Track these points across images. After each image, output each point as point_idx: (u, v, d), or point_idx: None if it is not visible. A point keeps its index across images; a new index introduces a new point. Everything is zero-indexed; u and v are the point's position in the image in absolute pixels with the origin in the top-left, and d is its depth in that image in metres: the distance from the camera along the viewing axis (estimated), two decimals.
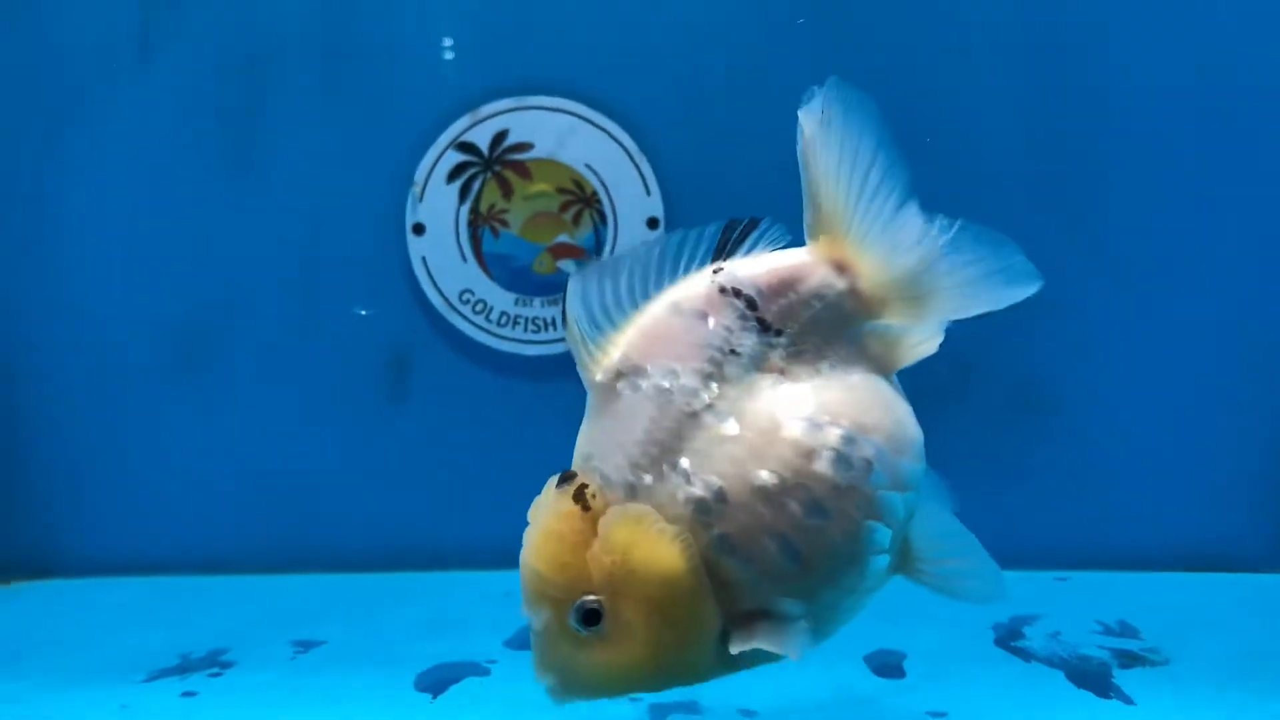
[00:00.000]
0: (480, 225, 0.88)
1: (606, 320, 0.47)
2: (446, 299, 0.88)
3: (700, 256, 0.48)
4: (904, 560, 0.47)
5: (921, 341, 0.48)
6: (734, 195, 0.86)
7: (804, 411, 0.44)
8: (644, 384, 0.45)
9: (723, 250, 0.48)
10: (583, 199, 0.88)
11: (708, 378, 0.45)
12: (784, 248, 0.48)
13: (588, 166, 0.87)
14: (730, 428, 0.44)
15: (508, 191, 0.88)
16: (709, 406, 0.45)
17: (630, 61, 0.87)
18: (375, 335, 0.89)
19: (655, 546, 0.43)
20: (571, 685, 0.45)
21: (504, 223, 0.88)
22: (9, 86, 0.88)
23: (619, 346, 0.46)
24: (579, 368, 0.47)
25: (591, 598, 0.43)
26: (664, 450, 0.45)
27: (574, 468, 0.46)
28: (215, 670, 0.66)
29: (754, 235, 0.48)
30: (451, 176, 0.88)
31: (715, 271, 0.47)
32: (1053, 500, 0.86)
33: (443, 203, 0.88)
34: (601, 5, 0.87)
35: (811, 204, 0.48)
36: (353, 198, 0.88)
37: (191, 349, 0.88)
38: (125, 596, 0.83)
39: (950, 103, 0.86)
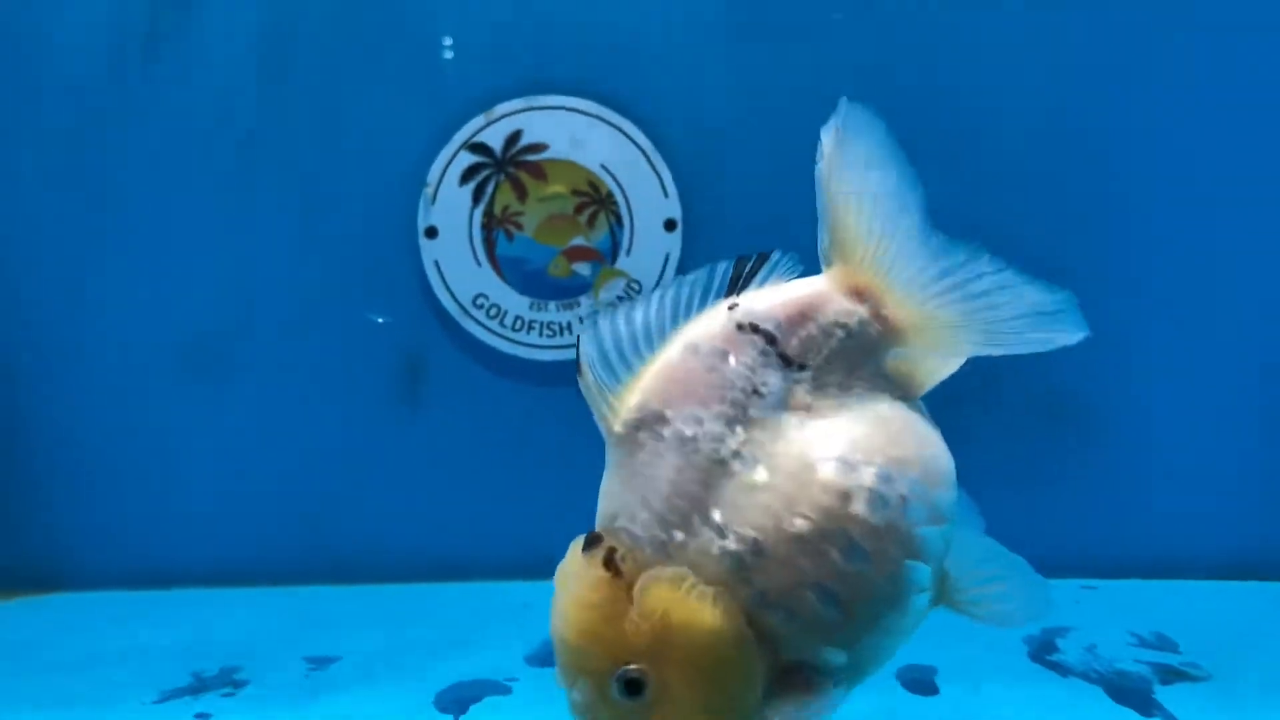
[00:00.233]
0: (494, 228, 0.86)
1: (623, 366, 0.45)
2: (460, 303, 0.86)
3: (714, 294, 0.46)
4: (943, 592, 0.46)
5: (945, 364, 0.46)
6: (753, 197, 0.84)
7: (836, 451, 0.42)
8: (666, 433, 0.43)
9: (736, 285, 0.46)
10: (598, 200, 0.86)
11: (732, 421, 0.43)
12: (798, 278, 0.46)
13: (603, 167, 0.85)
14: (760, 474, 0.42)
15: (522, 193, 0.86)
16: (736, 453, 0.43)
17: (647, 60, 0.85)
18: (388, 341, 0.87)
19: (694, 609, 0.41)
20: None
21: (518, 225, 0.86)
22: (15, 87, 0.86)
23: (637, 393, 0.44)
24: (597, 419, 0.45)
25: (633, 667, 0.42)
26: (693, 503, 0.43)
27: (599, 527, 0.44)
28: (228, 690, 0.64)
29: (766, 268, 0.46)
30: (464, 178, 0.86)
31: (730, 307, 0.45)
32: (1080, 507, 0.85)
33: (456, 205, 0.86)
34: (617, 2, 0.85)
35: (827, 228, 0.46)
36: (365, 201, 0.86)
37: (201, 356, 0.87)
38: (135, 610, 0.81)
39: (972, 105, 0.84)
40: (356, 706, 0.61)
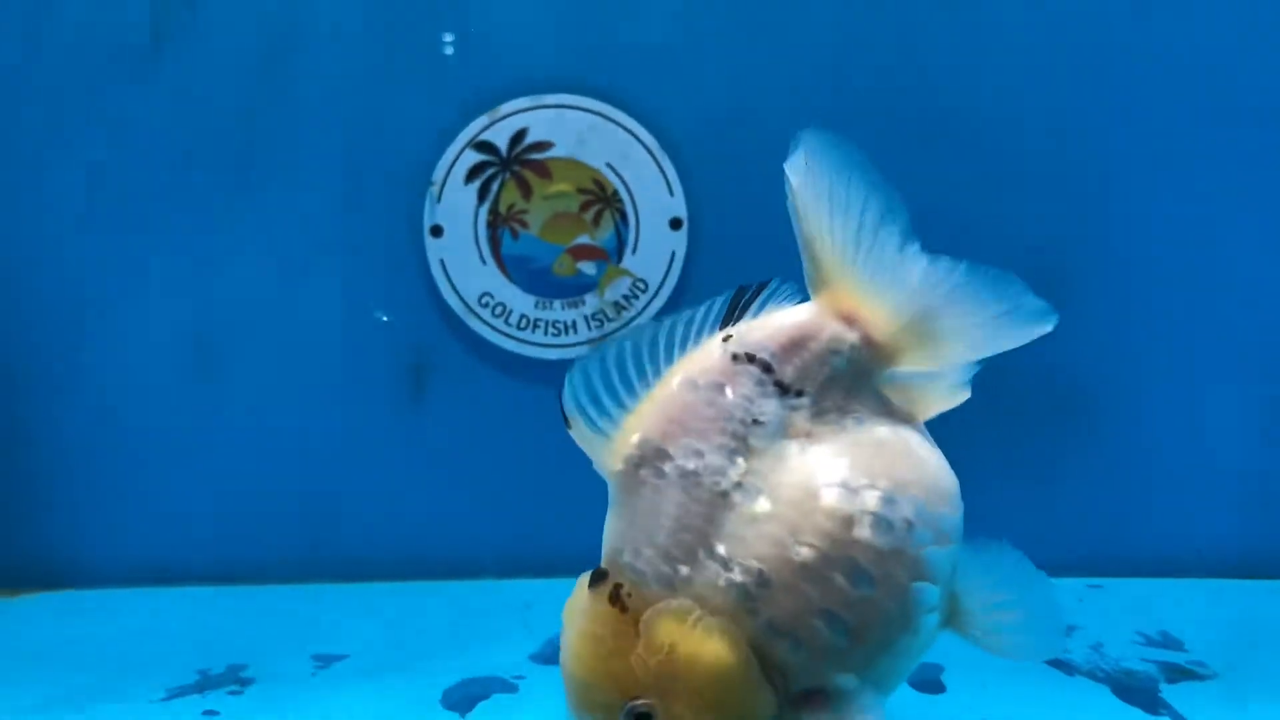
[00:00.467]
0: (499, 226, 0.86)
1: (616, 406, 0.45)
2: (465, 302, 0.86)
3: (709, 327, 0.46)
4: (953, 614, 0.46)
5: (948, 395, 0.47)
6: (759, 196, 0.83)
7: (837, 476, 0.43)
8: (668, 468, 0.44)
9: (730, 316, 0.46)
10: (604, 199, 0.86)
11: (733, 453, 0.43)
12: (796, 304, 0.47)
13: (609, 166, 0.85)
14: (763, 505, 0.43)
15: (527, 192, 0.86)
16: (738, 485, 0.43)
17: (652, 58, 0.85)
18: (393, 340, 0.87)
19: (701, 642, 0.42)
20: None
21: (523, 224, 0.86)
22: (17, 83, 0.86)
23: (636, 430, 0.44)
24: (594, 464, 0.45)
25: (641, 702, 0.42)
26: (697, 537, 0.43)
27: (604, 564, 0.44)
28: (235, 688, 0.64)
29: (763, 297, 0.47)
30: (470, 177, 0.86)
31: (725, 339, 0.45)
32: (1086, 506, 0.85)
33: (461, 204, 0.86)
34: (622, 1, 0.85)
35: (809, 258, 0.46)
36: (370, 200, 0.86)
37: (205, 353, 0.87)
38: (140, 608, 0.81)
39: (975, 101, 0.84)
40: (364, 704, 0.61)
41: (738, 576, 0.42)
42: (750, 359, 0.45)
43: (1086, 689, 0.62)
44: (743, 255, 0.82)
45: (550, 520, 0.84)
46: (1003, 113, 0.84)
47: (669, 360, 0.46)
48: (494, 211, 0.86)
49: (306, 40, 0.85)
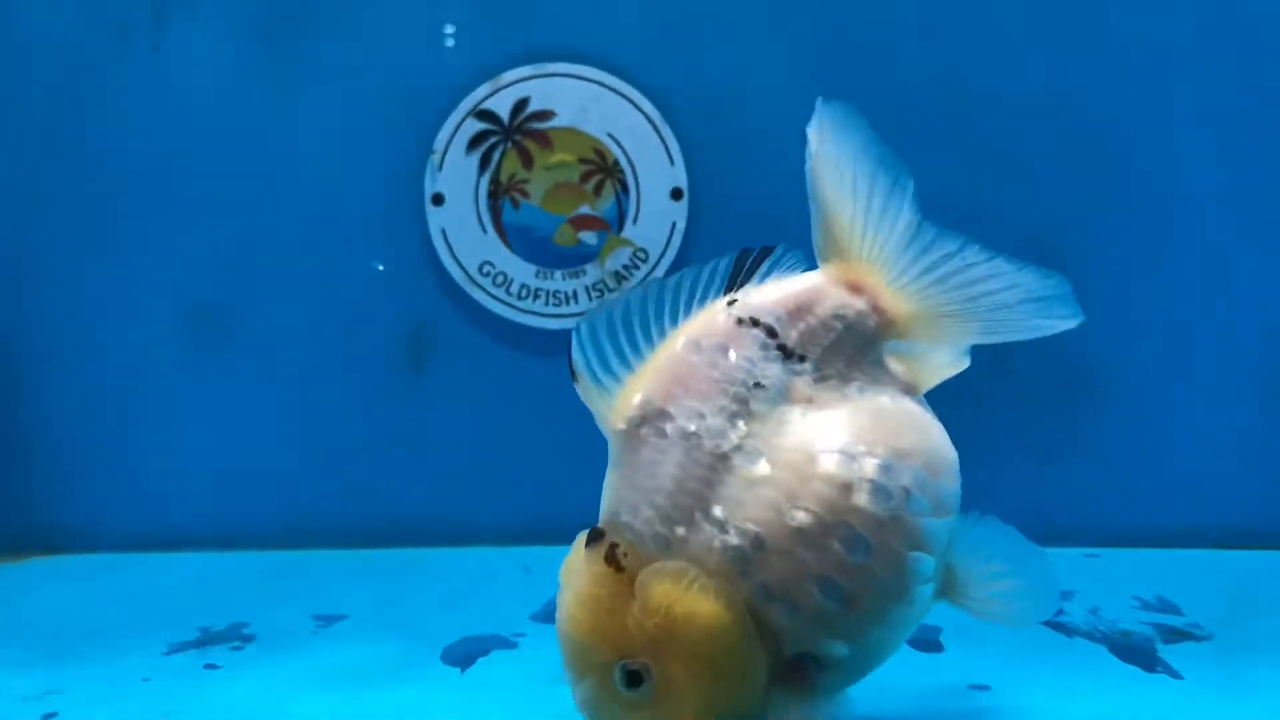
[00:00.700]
0: (500, 196, 0.86)
1: (621, 364, 0.45)
2: (466, 271, 0.86)
3: (714, 290, 0.46)
4: (948, 585, 0.46)
5: (949, 364, 0.47)
6: (759, 166, 0.84)
7: (837, 443, 0.43)
8: (669, 428, 0.44)
9: (735, 281, 0.47)
10: (605, 169, 0.86)
11: (734, 416, 0.44)
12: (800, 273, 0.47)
13: (610, 136, 0.85)
14: (762, 468, 0.43)
15: (528, 161, 0.86)
16: (738, 447, 0.43)
17: (654, 28, 0.85)
18: (394, 308, 0.87)
19: (696, 603, 0.42)
20: None
21: (524, 193, 0.86)
22: (17, 52, 0.86)
23: (638, 390, 0.44)
24: (596, 419, 0.45)
25: (634, 660, 0.42)
26: (695, 499, 0.43)
27: (602, 523, 0.44)
28: (236, 644, 0.64)
29: (768, 263, 0.47)
30: (471, 145, 0.86)
31: (730, 303, 0.46)
32: (1084, 477, 0.85)
33: (462, 173, 0.86)
34: None
35: (821, 226, 0.47)
36: (370, 168, 0.86)
37: (207, 322, 0.87)
38: (143, 572, 0.81)
39: (972, 77, 0.84)
40: (364, 659, 0.61)
41: (734, 539, 0.42)
42: (755, 323, 0.45)
43: (1084, 648, 0.62)
44: (743, 226, 0.83)
45: (549, 488, 0.84)
46: (1008, 86, 0.84)
47: (674, 320, 0.46)
48: (495, 181, 0.86)
49: (309, 8, 0.85)
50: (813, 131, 0.46)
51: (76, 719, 0.52)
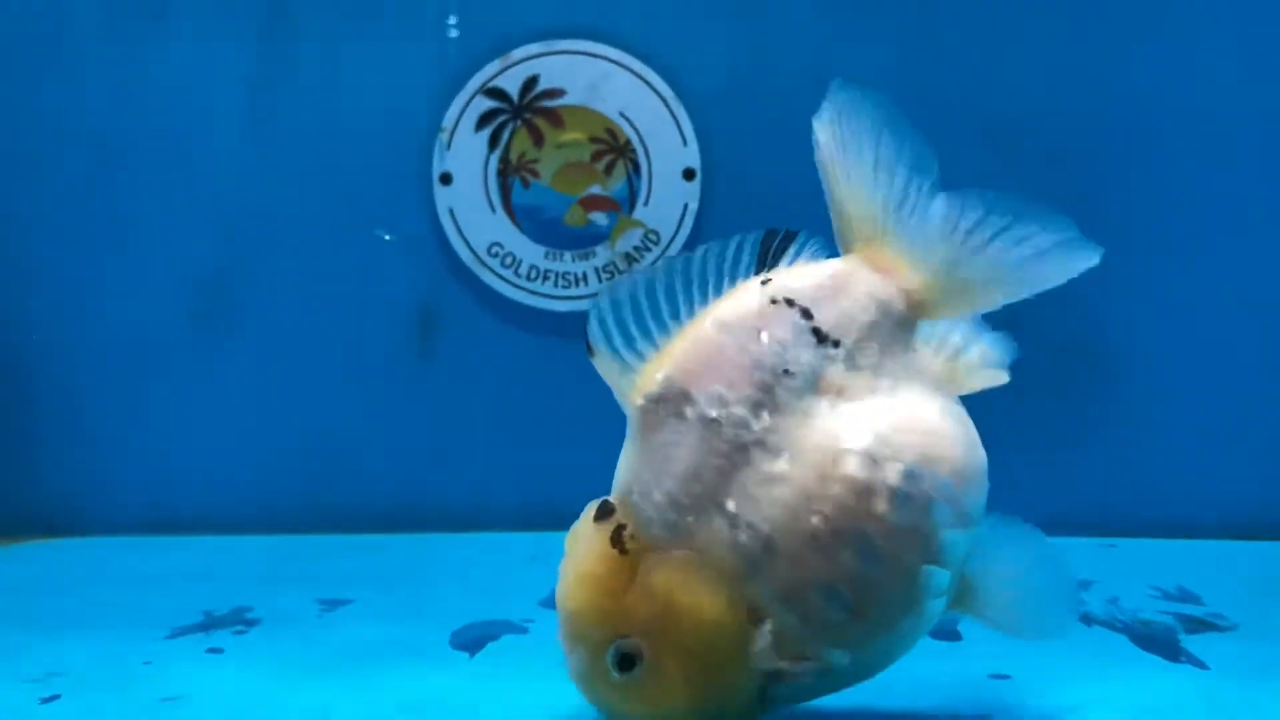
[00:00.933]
0: (510, 175, 0.85)
1: (645, 339, 0.43)
2: (474, 252, 0.85)
3: (743, 268, 0.45)
4: (961, 597, 0.44)
5: (987, 375, 0.46)
6: (773, 147, 0.82)
7: (862, 443, 0.41)
8: (689, 412, 0.42)
9: (764, 260, 0.45)
10: (616, 148, 0.85)
11: (758, 406, 0.42)
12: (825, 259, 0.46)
13: (622, 114, 0.84)
14: (781, 465, 0.41)
15: (539, 140, 0.85)
16: (759, 440, 0.41)
17: (668, 4, 0.84)
18: (401, 290, 0.86)
19: (699, 595, 0.41)
20: None
21: (534, 173, 0.85)
22: (23, 32, 0.85)
23: (662, 368, 0.43)
24: (616, 394, 0.44)
25: (627, 641, 0.41)
26: (709, 489, 0.41)
27: (613, 497, 0.43)
28: (240, 628, 0.63)
29: (794, 247, 0.45)
30: (480, 124, 0.84)
31: (764, 282, 0.44)
32: (1101, 467, 0.84)
33: (471, 151, 0.85)
34: None
35: (839, 213, 0.45)
36: (379, 145, 0.85)
37: (213, 304, 0.86)
38: (146, 555, 0.80)
39: (996, 53, 0.83)
40: (370, 643, 0.60)
41: (743, 537, 0.41)
42: (790, 303, 0.43)
43: (1105, 637, 0.61)
44: (757, 207, 0.82)
45: (557, 472, 0.83)
46: (1025, 64, 0.83)
47: (702, 296, 0.44)
48: (505, 160, 0.85)
49: None
50: (823, 118, 0.44)
51: (79, 701, 0.51)
